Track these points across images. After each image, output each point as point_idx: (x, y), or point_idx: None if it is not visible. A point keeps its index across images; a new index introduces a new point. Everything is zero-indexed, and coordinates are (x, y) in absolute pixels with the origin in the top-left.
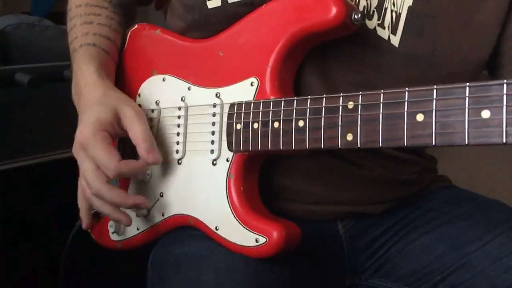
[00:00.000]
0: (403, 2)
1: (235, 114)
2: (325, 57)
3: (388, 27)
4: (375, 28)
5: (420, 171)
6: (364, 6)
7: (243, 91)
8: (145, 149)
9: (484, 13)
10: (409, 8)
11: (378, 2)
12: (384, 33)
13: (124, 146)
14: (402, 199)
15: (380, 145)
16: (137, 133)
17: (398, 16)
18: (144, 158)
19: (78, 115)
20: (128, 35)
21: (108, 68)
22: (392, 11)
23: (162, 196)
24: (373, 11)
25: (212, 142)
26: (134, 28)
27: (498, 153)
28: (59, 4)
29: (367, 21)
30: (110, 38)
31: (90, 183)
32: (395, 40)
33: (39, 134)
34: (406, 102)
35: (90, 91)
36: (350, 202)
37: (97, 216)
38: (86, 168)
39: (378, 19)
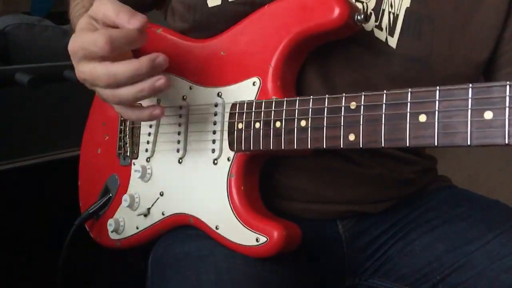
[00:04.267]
0: (401, 4)
1: (236, 114)
2: (325, 58)
3: (386, 28)
4: (372, 30)
5: (420, 171)
6: (360, 9)
7: (245, 90)
8: (129, 16)
9: (483, 14)
10: (407, 9)
11: (375, 4)
12: (381, 35)
13: (124, 145)
14: (401, 198)
15: (382, 145)
16: (109, 9)
17: (396, 18)
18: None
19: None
20: None
21: None
22: (389, 12)
23: (162, 195)
24: (371, 12)
25: (214, 141)
26: None
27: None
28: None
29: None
30: None
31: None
32: (393, 42)
33: (39, 134)
34: (408, 103)
35: None
36: (350, 201)
37: (96, 215)
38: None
39: (376, 21)
